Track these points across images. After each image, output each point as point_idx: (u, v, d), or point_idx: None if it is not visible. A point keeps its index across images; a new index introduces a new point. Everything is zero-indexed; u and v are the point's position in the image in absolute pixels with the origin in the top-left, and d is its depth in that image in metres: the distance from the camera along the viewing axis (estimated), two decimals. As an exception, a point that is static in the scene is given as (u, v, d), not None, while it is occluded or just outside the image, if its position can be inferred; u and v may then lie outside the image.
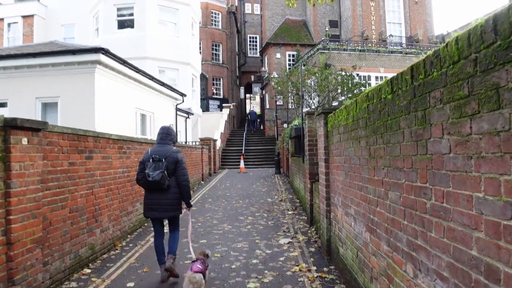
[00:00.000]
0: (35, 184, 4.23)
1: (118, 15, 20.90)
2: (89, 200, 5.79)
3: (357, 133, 3.97)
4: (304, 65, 8.67)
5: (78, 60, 10.48)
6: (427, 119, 2.33)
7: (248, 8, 47.53)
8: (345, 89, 14.91)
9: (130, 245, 6.81)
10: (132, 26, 20.75)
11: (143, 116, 14.48)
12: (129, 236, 7.43)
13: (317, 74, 14.93)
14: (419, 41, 31.41)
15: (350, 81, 15.07)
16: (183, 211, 5.27)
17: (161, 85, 15.09)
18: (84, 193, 5.63)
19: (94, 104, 10.54)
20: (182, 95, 17.63)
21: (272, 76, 19.03)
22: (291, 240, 6.76)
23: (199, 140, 19.98)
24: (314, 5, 11.47)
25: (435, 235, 2.24)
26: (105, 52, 10.35)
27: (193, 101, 22.98)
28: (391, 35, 31.92)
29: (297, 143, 11.94)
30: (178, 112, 18.34)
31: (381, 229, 3.26)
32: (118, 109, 11.97)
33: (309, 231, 7.42)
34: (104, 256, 6.12)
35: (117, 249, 6.51)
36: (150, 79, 13.89)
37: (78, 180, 5.45)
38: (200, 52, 32.71)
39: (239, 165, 21.60)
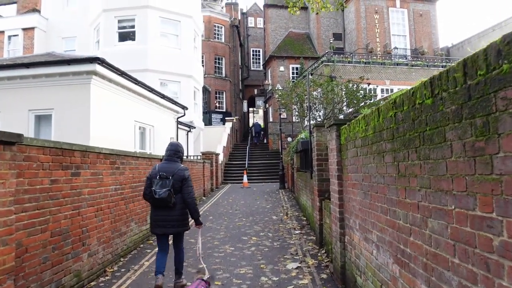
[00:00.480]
0: (6, 206, 3.64)
1: (119, 27, 20.55)
2: (75, 222, 5.20)
3: (380, 146, 3.39)
4: (311, 74, 8.11)
5: (73, 70, 9.97)
6: (491, 128, 1.75)
7: (251, 21, 47.49)
8: (353, 101, 14.34)
9: (122, 270, 6.19)
10: (133, 39, 20.39)
11: (142, 130, 13.95)
12: (122, 259, 6.80)
13: (323, 85, 14.38)
14: (425, 54, 30.97)
15: (358, 93, 14.52)
16: (192, 227, 5.40)
17: (161, 97, 14.59)
18: (69, 213, 5.04)
19: (89, 116, 10.00)
20: (184, 108, 17.12)
21: (276, 88, 18.47)
22: (299, 265, 6.13)
23: (201, 154, 19.43)
24: (317, 13, 10.96)
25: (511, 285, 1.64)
26: (101, 62, 9.86)
27: (195, 114, 22.48)
28: (396, 48, 31.52)
29: (303, 157, 11.35)
30: (179, 126, 17.82)
31: (417, 264, 2.66)
32: (115, 122, 11.44)
33: (319, 254, 6.78)
34: (92, 283, 5.50)
35: (107, 275, 5.88)
36: (149, 91, 13.39)
37: (62, 200, 4.87)
38: (202, 65, 32.42)
39: (242, 179, 20.99)
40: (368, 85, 15.93)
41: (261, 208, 12.59)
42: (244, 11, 47.29)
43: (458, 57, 30.64)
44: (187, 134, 20.09)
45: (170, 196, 4.90)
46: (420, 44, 32.57)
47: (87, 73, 10.05)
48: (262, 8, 39.61)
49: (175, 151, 5.32)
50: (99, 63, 9.86)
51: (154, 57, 19.98)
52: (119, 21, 20.62)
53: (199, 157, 18.89)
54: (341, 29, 34.73)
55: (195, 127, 21.07)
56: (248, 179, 21.08)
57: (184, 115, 17.34)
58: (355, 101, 14.12)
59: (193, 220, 5.21)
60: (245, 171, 21.44)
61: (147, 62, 19.78)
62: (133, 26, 20.47)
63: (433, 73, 2.36)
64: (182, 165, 5.28)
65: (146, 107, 13.83)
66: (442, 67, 27.86)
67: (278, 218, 10.64)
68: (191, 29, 21.92)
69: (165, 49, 20.57)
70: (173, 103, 16.01)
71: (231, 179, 23.64)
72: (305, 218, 10.26)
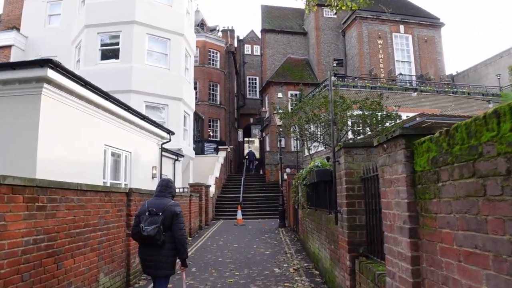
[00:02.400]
0: None
1: (102, 45, 18.62)
2: None
3: None
4: (334, 75, 6.06)
5: (19, 77, 7.69)
6: None
7: (247, 49, 46.07)
8: (373, 123, 12.16)
9: None
10: (117, 57, 18.38)
11: (116, 156, 11.60)
12: None
13: (337, 102, 12.22)
14: (431, 80, 29.16)
15: (379, 112, 12.40)
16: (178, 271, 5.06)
17: (141, 118, 12.29)
18: None
19: (37, 138, 7.66)
20: (169, 132, 14.82)
21: (276, 110, 16.25)
22: None
23: (188, 187, 16.97)
24: (335, 13, 9.01)
25: None
26: (55, 66, 7.60)
27: (184, 142, 20.18)
28: (401, 74, 29.78)
29: (312, 191, 8.98)
30: (164, 153, 15.46)
31: None
32: (77, 146, 9.09)
33: None
34: None
35: None
36: (125, 109, 11.11)
37: None
38: (196, 91, 30.51)
39: (236, 215, 18.44)
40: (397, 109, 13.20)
41: (259, 254, 10.09)
42: (241, 38, 45.89)
43: (468, 84, 28.79)
44: (174, 164, 17.71)
45: (159, 233, 4.53)
46: (426, 71, 30.88)
47: (37, 80, 7.78)
48: (260, 33, 38.07)
49: (166, 186, 5.04)
50: (51, 67, 7.59)
51: (140, 77, 17.89)
52: (102, 38, 18.71)
53: (186, 190, 16.41)
54: (342, 54, 33.08)
55: (183, 156, 18.71)
56: (242, 215, 18.54)
57: (170, 140, 15.00)
58: (373, 122, 11.91)
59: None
60: (239, 206, 18.87)
61: (132, 82, 17.69)
62: (117, 44, 18.55)
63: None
64: (173, 201, 4.95)
65: (121, 129, 11.51)
66: (452, 93, 25.97)
67: (281, 271, 8.15)
68: (182, 48, 19.95)
69: (152, 68, 18.51)
70: (156, 126, 13.71)
71: (223, 214, 21.09)
72: (317, 273, 7.78)
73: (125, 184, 11.94)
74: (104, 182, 10.55)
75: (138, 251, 4.78)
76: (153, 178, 14.08)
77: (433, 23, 32.69)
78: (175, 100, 19.01)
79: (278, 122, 17.14)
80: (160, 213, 4.62)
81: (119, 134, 11.42)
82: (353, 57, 31.69)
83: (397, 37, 31.75)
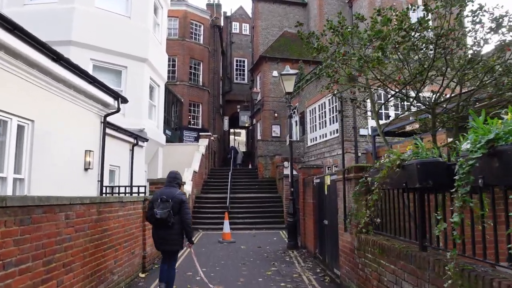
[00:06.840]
0: None
1: (33, -22, 12.97)
2: None
3: None
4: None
5: None
6: None
7: (235, 27, 40.47)
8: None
9: None
10: (54, -5, 12.81)
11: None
12: None
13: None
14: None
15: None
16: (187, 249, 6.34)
17: (54, 60, 6.76)
18: None
19: None
20: (118, 98, 9.33)
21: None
22: None
23: (147, 185, 11.24)
24: None
25: None
26: None
27: (151, 122, 14.66)
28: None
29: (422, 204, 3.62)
30: (112, 132, 9.98)
31: None
32: None
33: None
34: None
35: None
36: (10, 30, 5.61)
37: None
38: (174, 69, 25.28)
39: (222, 226, 12.91)
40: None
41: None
42: (228, 14, 40.30)
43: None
44: (132, 149, 12.14)
45: (170, 216, 5.58)
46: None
47: None
48: (250, 8, 32.63)
49: (174, 178, 6.10)
50: None
51: (85, 24, 12.36)
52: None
53: (143, 189, 10.64)
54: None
55: (147, 140, 13.15)
56: (230, 223, 13.03)
57: (118, 110, 9.48)
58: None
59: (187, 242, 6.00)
60: (226, 215, 13.26)
61: (72, 30, 12.17)
62: (56, -22, 12.93)
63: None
64: (180, 191, 6.08)
65: (9, 75, 6.00)
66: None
67: None
68: (150, -8, 14.41)
69: (105, 14, 12.96)
70: (90, 83, 8.19)
71: (204, 222, 15.54)
72: None
73: (18, 179, 6.44)
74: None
75: (152, 232, 5.91)
76: (86, 169, 8.58)
77: (455, -5, 27.85)
78: (137, 61, 13.45)
79: (287, 89, 11.85)
80: (170, 200, 5.65)
81: (3, 82, 5.91)
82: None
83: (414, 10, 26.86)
